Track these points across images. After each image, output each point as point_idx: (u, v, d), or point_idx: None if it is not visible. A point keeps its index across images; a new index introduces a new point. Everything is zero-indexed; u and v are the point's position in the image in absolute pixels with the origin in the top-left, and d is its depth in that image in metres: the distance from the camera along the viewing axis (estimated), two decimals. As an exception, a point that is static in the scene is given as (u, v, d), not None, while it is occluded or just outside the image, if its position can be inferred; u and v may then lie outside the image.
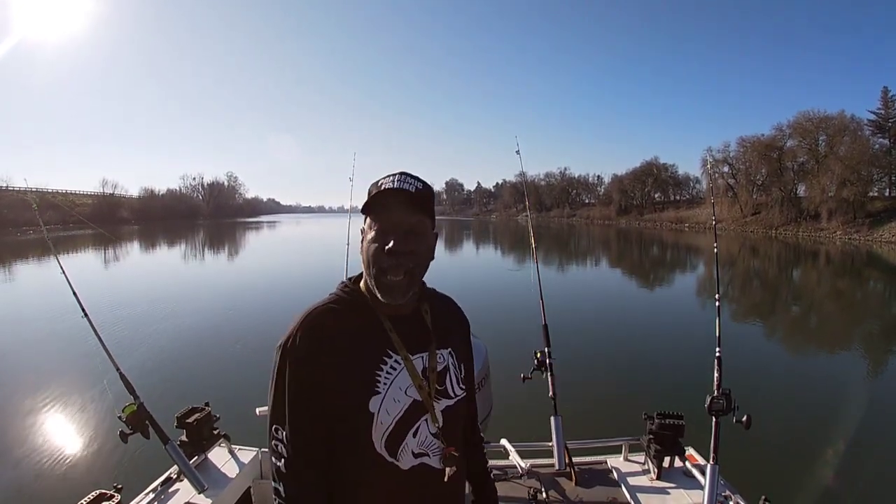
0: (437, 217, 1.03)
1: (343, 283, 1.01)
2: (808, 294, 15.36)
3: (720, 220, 42.50)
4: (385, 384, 0.90)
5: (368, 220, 0.93)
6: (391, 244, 0.88)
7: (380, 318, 0.95)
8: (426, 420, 0.94)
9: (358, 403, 0.88)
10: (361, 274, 1.00)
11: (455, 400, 1.00)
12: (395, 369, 0.92)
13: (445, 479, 0.95)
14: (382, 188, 0.91)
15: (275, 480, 0.90)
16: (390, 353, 0.93)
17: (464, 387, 1.03)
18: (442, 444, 0.95)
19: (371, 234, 0.91)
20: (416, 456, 0.93)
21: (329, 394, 0.87)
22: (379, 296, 0.92)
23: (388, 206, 0.90)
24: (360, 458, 0.89)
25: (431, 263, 0.97)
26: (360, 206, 0.95)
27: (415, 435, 0.92)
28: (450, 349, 1.02)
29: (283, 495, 0.89)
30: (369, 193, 0.93)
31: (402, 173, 0.94)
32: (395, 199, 0.90)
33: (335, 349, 0.89)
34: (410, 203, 0.90)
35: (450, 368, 1.00)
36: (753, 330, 9.86)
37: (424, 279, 1.00)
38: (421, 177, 0.95)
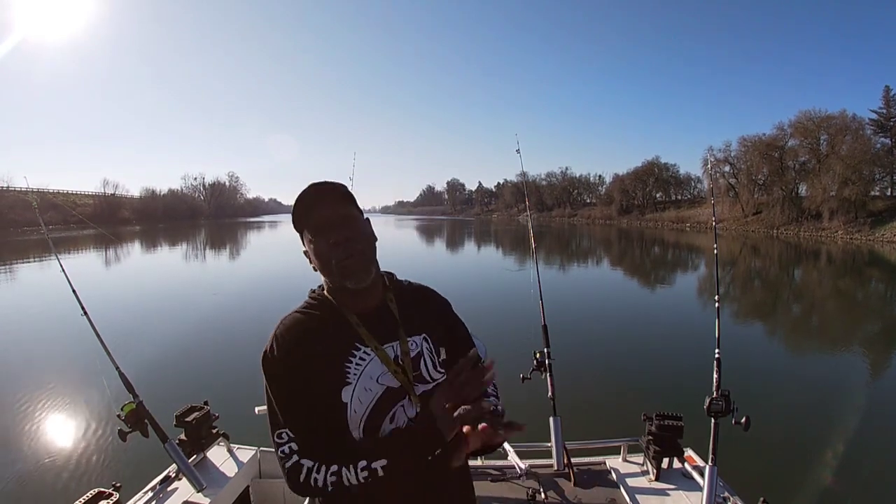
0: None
1: (312, 290, 1.07)
2: (808, 294, 15.33)
3: (721, 220, 42.45)
4: (355, 375, 0.95)
5: (306, 234, 0.99)
6: (333, 238, 0.95)
7: (346, 316, 1.00)
8: (402, 406, 0.97)
9: (331, 395, 0.93)
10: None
11: (433, 384, 1.01)
12: (364, 360, 0.96)
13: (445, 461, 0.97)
14: (300, 198, 0.99)
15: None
16: (358, 345, 0.97)
17: (442, 370, 1.03)
18: None
19: (313, 241, 0.98)
20: None
21: (308, 391, 0.93)
22: (347, 284, 0.97)
23: (314, 206, 0.98)
24: (342, 445, 0.93)
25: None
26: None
27: (392, 420, 0.96)
28: (423, 335, 1.04)
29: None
30: (293, 214, 1.00)
31: (313, 183, 1.01)
32: (317, 198, 0.98)
33: (306, 350, 0.95)
34: (331, 197, 0.99)
35: (423, 353, 1.02)
36: (753, 331, 9.85)
37: (407, 274, 1.09)
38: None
